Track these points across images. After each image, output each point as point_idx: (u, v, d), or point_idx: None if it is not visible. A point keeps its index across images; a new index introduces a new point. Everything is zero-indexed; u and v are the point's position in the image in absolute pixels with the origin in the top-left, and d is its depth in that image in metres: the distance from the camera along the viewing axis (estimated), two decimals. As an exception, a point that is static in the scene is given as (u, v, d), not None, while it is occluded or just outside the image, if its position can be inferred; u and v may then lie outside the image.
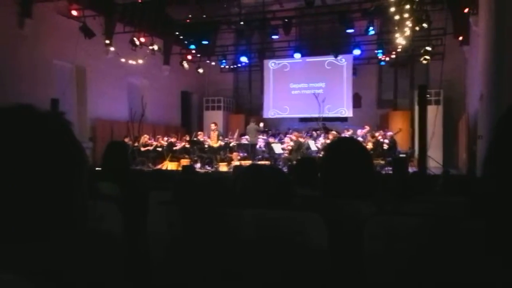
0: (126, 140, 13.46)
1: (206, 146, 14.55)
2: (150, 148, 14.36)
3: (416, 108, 11.91)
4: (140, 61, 16.15)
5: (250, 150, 14.49)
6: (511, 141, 0.58)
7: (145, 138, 14.48)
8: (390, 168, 11.76)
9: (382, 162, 12.84)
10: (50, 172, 0.75)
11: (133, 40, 15.20)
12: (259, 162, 13.18)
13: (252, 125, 15.03)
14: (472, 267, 0.87)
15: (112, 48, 15.41)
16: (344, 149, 2.01)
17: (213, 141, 14.56)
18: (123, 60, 15.63)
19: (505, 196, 0.56)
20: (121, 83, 16.42)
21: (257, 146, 14.92)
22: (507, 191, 0.56)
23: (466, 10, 12.79)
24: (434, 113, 12.26)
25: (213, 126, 15.06)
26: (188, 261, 1.25)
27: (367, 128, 15.24)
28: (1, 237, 0.71)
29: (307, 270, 1.22)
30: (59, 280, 0.67)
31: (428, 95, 11.02)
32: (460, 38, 14.85)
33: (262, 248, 1.24)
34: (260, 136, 15.57)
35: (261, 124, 15.93)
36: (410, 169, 10.67)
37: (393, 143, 13.87)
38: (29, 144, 0.74)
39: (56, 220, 0.74)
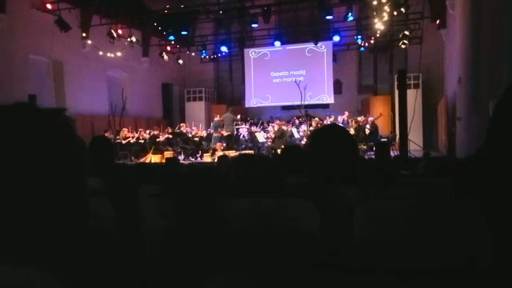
0: (107, 134, 13.30)
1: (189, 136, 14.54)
2: (131, 140, 14.22)
3: (396, 92, 12.05)
4: (119, 54, 15.91)
5: (228, 139, 14.46)
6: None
7: (124, 131, 14.31)
8: (372, 153, 11.91)
9: (364, 147, 12.98)
10: (51, 169, 0.75)
11: (111, 32, 14.94)
12: (243, 152, 13.19)
13: (228, 114, 14.97)
14: (461, 247, 0.91)
15: (89, 41, 15.13)
16: (329, 136, 2.04)
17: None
18: (101, 53, 15.38)
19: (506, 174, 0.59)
20: (100, 77, 16.16)
21: (240, 136, 14.92)
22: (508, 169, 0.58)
23: (443, -7, 12.93)
24: (413, 97, 12.43)
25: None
26: (184, 253, 1.26)
27: (347, 113, 15.40)
28: (6, 234, 0.72)
29: (302, 255, 1.25)
30: (81, 275, 0.68)
31: (407, 79, 11.17)
32: (437, 21, 15.01)
33: (256, 236, 1.26)
34: (243, 126, 15.57)
35: (238, 116, 15.96)
36: (392, 153, 10.83)
37: (374, 128, 14.02)
38: (30, 141, 0.75)
39: (58, 216, 0.75)
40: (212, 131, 15.19)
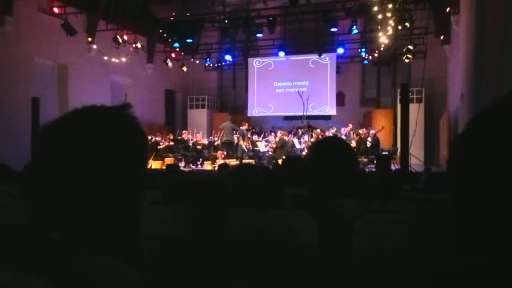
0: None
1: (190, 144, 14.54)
2: (133, 146, 14.21)
3: (399, 106, 12.07)
4: (123, 59, 15.97)
5: (228, 148, 14.46)
6: (478, 139, 0.61)
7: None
8: (373, 166, 11.90)
9: (365, 160, 12.97)
10: (120, 164, 0.79)
11: (116, 38, 15.03)
12: (244, 161, 13.20)
13: (228, 123, 14.98)
14: (462, 262, 0.91)
15: (94, 46, 15.21)
16: (330, 148, 2.04)
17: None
18: (106, 58, 15.46)
19: (472, 194, 0.60)
20: (104, 81, 16.21)
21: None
22: (474, 189, 0.59)
23: (448, 9, 13.00)
24: (416, 111, 12.43)
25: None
26: (183, 259, 1.26)
27: (350, 126, 15.40)
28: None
29: (299, 266, 1.25)
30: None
31: (410, 94, 11.19)
32: (442, 37, 15.08)
33: (254, 246, 1.26)
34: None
35: (244, 127, 15.97)
36: (392, 167, 10.81)
37: (376, 141, 14.03)
38: (103, 140, 0.79)
39: (119, 210, 0.79)
40: (213, 138, 15.21)
